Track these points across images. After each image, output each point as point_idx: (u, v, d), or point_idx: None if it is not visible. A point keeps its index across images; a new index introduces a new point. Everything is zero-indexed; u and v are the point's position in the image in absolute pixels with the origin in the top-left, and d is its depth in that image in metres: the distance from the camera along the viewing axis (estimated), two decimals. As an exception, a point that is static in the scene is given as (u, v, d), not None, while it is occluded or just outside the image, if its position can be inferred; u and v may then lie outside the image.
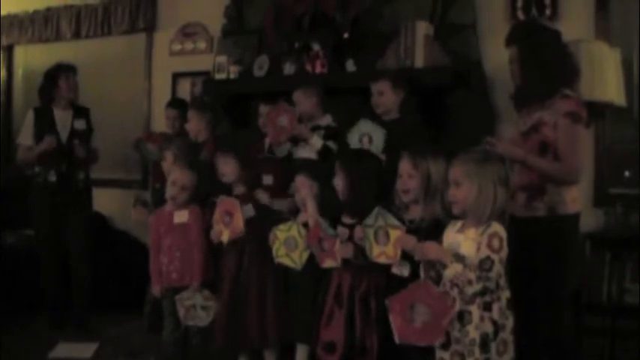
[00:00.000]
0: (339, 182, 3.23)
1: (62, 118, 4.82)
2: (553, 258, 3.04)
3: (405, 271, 2.86)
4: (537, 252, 3.01)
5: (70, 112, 4.86)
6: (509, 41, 3.26)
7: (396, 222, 2.86)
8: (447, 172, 2.70)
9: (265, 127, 4.19)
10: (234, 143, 3.96)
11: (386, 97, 3.88)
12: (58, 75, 4.82)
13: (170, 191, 3.70)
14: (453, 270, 2.49)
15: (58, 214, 4.77)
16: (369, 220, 2.94)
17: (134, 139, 5.19)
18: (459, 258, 2.46)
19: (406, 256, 2.82)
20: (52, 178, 4.72)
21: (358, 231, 3.03)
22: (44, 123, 4.77)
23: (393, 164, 3.18)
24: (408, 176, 2.97)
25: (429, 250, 2.60)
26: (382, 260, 2.90)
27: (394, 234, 2.85)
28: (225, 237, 3.58)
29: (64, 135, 4.78)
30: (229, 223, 3.55)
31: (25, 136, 4.84)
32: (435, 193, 2.85)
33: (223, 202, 3.58)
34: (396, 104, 3.88)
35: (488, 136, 3.14)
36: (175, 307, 3.61)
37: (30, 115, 4.85)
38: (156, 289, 3.71)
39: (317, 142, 3.93)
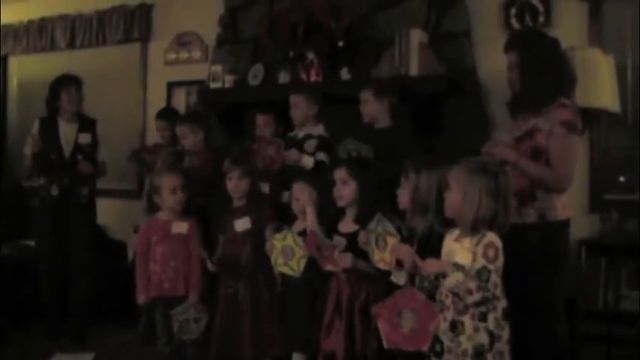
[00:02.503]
0: (342, 189, 3.23)
1: (66, 131, 4.79)
2: (544, 264, 3.05)
3: (401, 279, 2.86)
4: (528, 258, 3.01)
5: (76, 125, 4.83)
6: (509, 47, 3.27)
7: (392, 229, 2.87)
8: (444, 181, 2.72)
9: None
10: (247, 157, 3.97)
11: (369, 105, 3.90)
12: (59, 88, 4.80)
13: (175, 199, 3.64)
14: (454, 278, 2.47)
15: (60, 227, 4.74)
16: (371, 226, 2.96)
17: (129, 151, 5.18)
18: (460, 267, 2.46)
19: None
20: (55, 192, 4.70)
21: (362, 235, 3.06)
22: (48, 135, 4.75)
23: (385, 172, 3.19)
24: (402, 187, 2.98)
25: (428, 267, 2.59)
26: (381, 265, 2.92)
27: (390, 241, 2.86)
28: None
29: (67, 149, 4.76)
30: None
31: (28, 146, 4.82)
32: (426, 205, 2.85)
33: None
34: (382, 113, 3.88)
35: (483, 142, 3.16)
36: (167, 318, 3.59)
37: (35, 126, 4.82)
38: (141, 298, 3.65)
39: (308, 161, 3.93)
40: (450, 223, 2.66)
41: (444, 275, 2.53)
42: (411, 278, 2.77)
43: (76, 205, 4.77)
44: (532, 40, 3.28)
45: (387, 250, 2.87)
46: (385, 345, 2.61)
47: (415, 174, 2.91)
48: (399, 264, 2.82)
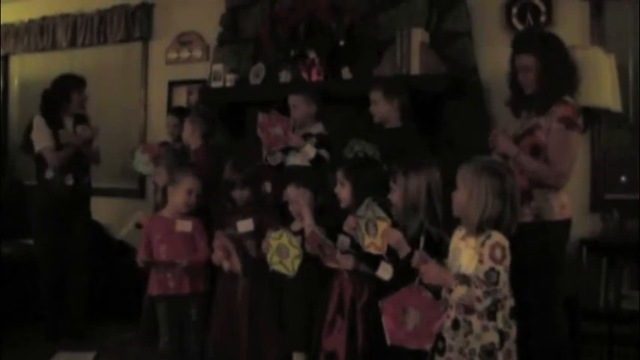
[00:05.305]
0: (341, 191, 3.23)
1: (68, 126, 4.78)
2: (540, 264, 3.05)
3: (386, 274, 2.87)
4: (524, 258, 3.00)
5: (72, 119, 4.81)
6: (524, 49, 3.25)
7: (382, 214, 2.89)
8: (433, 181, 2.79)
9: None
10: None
11: (380, 106, 3.90)
12: (70, 88, 4.76)
13: (187, 200, 3.63)
14: (458, 293, 2.44)
15: (61, 221, 4.71)
16: (360, 211, 2.97)
17: (131, 149, 5.13)
18: (464, 280, 2.43)
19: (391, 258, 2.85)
20: (70, 181, 4.68)
21: (351, 220, 3.06)
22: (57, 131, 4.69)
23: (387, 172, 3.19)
24: (392, 191, 2.99)
25: (428, 274, 2.55)
26: (372, 250, 2.94)
27: (381, 226, 2.88)
28: (225, 266, 3.61)
29: None
30: (228, 258, 3.59)
31: (44, 140, 4.67)
32: (416, 206, 2.87)
33: (220, 238, 3.58)
34: (392, 113, 3.89)
35: (484, 142, 3.16)
36: (170, 315, 3.58)
37: (40, 121, 4.69)
38: (141, 258, 3.61)
39: (310, 151, 3.94)
40: (441, 224, 2.67)
41: (449, 290, 2.51)
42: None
43: (80, 196, 4.78)
44: (548, 41, 3.26)
45: (377, 235, 2.88)
46: (388, 341, 2.61)
47: (403, 176, 2.92)
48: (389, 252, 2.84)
